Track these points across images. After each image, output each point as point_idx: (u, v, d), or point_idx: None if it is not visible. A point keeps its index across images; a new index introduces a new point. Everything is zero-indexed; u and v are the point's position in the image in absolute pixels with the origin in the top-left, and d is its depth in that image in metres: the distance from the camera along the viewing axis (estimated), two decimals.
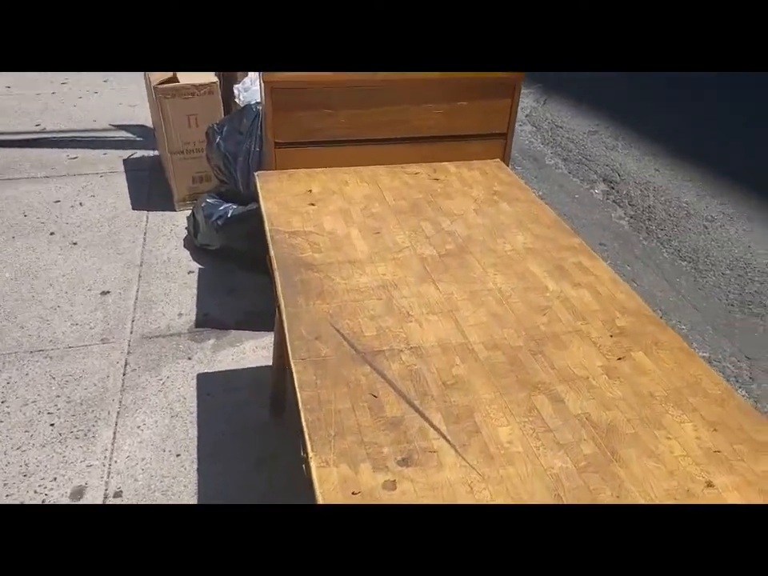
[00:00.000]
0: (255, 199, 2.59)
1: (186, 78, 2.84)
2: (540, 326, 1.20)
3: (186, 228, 2.94)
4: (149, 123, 4.01)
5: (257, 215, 2.59)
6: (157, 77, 2.84)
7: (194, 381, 2.12)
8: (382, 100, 1.95)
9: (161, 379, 2.13)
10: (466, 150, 2.07)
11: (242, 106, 2.72)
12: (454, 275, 1.34)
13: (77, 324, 2.36)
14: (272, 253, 1.39)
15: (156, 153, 3.59)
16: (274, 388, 1.99)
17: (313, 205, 1.58)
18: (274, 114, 1.89)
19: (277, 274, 1.31)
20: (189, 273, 2.67)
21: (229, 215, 2.60)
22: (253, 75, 2.70)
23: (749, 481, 0.90)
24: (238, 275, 2.64)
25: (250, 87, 2.68)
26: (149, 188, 3.30)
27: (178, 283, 2.60)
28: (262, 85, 1.85)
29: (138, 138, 3.88)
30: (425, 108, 1.98)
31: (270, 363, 2.17)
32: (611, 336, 1.18)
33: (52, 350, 2.23)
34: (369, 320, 1.20)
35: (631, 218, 3.26)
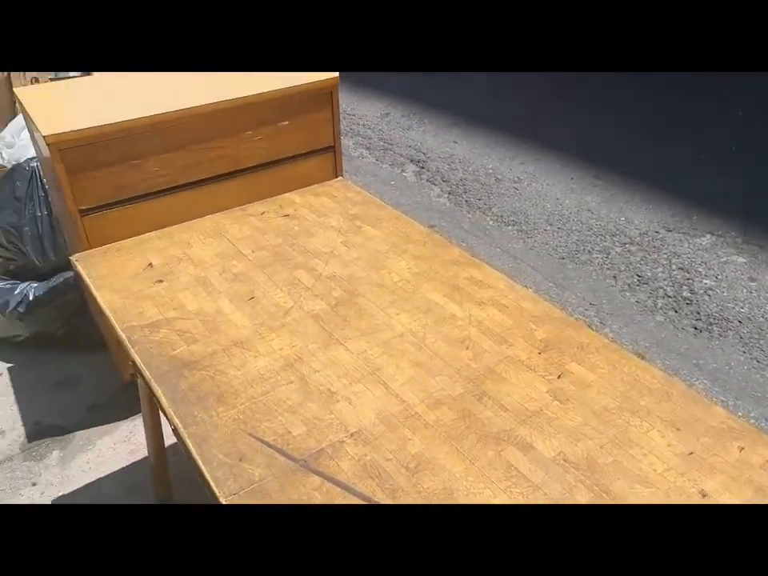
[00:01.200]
0: (69, 269, 2.21)
1: None
2: (469, 363, 1.12)
3: None
4: None
5: (64, 288, 2.21)
6: None
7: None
8: (194, 137, 1.72)
9: None
10: (297, 172, 1.92)
11: (8, 166, 2.27)
12: (357, 327, 1.20)
13: None
14: (136, 359, 1.13)
15: None
16: (159, 487, 1.71)
17: (161, 282, 1.33)
18: (70, 177, 1.58)
19: (154, 386, 1.07)
20: None
21: (31, 298, 2.17)
22: (14, 128, 2.26)
23: (732, 476, 0.90)
24: (60, 363, 2.23)
25: (14, 143, 2.24)
26: None
27: None
28: (46, 146, 1.52)
29: None
30: (243, 137, 1.79)
31: (136, 458, 1.87)
32: (539, 353, 1.13)
33: None
34: (290, 414, 1.02)
35: (449, 194, 3.34)
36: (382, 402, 1.04)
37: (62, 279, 2.20)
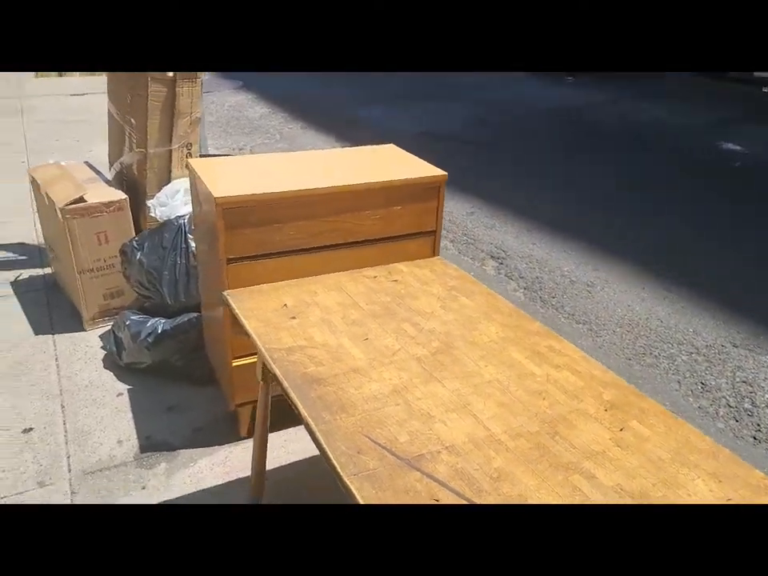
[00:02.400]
0: (190, 310, 2.58)
1: (93, 196, 2.79)
2: (545, 409, 1.35)
3: (102, 348, 2.81)
4: (29, 240, 3.81)
5: (188, 327, 2.57)
6: (61, 197, 2.76)
7: None
8: (324, 211, 2.08)
9: None
10: (402, 248, 2.25)
11: (159, 221, 2.72)
12: (452, 371, 1.46)
13: (4, 471, 2.15)
14: (277, 372, 1.43)
15: (47, 271, 3.41)
16: (255, 487, 1.95)
17: (293, 318, 1.64)
18: (227, 232, 1.95)
19: (292, 394, 1.35)
20: (118, 395, 2.54)
21: (159, 331, 2.54)
22: (168, 191, 2.73)
23: None
24: (174, 390, 2.56)
25: (168, 202, 2.69)
26: (48, 310, 3.11)
27: (108, 408, 2.47)
28: (213, 205, 1.91)
29: (20, 257, 3.66)
30: (363, 215, 2.14)
31: (230, 479, 2.13)
32: (605, 410, 1.35)
33: None
34: (397, 426, 1.27)
35: (525, 289, 3.61)
36: (471, 428, 1.28)
37: (186, 318, 2.57)
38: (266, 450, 1.89)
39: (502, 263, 3.89)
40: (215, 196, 1.90)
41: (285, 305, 1.71)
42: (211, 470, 2.20)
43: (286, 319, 1.64)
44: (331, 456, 1.18)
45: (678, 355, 2.97)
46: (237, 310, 1.67)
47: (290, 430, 2.35)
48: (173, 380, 2.59)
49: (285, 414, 1.78)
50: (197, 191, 2.18)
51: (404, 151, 2.48)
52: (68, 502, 2.04)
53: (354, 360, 1.48)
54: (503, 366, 1.49)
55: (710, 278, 3.64)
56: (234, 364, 2.15)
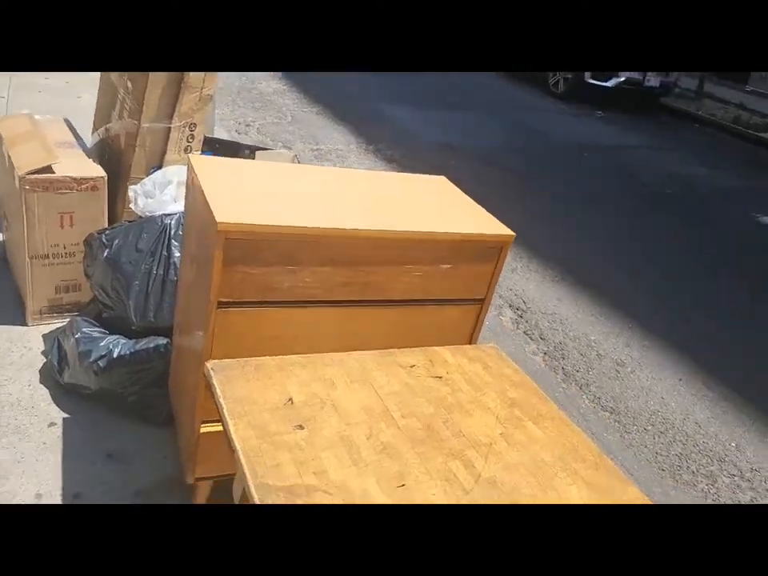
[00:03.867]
0: (159, 333, 2.06)
1: (64, 167, 2.25)
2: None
3: (43, 353, 2.27)
4: None
5: (152, 356, 2.06)
6: (24, 162, 2.21)
7: None
8: (357, 258, 1.59)
9: None
10: (440, 315, 1.78)
11: (140, 214, 2.19)
12: None
13: None
14: None
15: None
16: None
17: (301, 428, 1.15)
18: (225, 268, 1.45)
19: None
20: (50, 425, 2.01)
21: (115, 355, 2.02)
22: (158, 179, 2.20)
23: None
24: (120, 429, 2.05)
25: (154, 193, 2.17)
26: None
27: (34, 442, 1.94)
28: (214, 231, 1.41)
29: None
30: (402, 269, 1.66)
31: None
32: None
33: None
34: None
35: (545, 354, 3.16)
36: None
37: (152, 345, 2.05)
38: None
39: (521, 316, 3.44)
40: (218, 220, 1.40)
41: (290, 399, 1.22)
42: None
43: (290, 428, 1.14)
44: None
45: (718, 476, 2.54)
46: (223, 403, 1.17)
47: None
48: (122, 414, 2.07)
49: None
50: (194, 197, 1.66)
51: (459, 191, 2.00)
52: None
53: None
54: None
55: (759, 381, 3.21)
56: (201, 430, 1.65)
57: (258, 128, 5.52)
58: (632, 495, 1.20)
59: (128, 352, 2.04)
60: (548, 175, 5.75)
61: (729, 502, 2.41)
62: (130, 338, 2.09)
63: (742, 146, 8.40)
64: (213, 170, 1.67)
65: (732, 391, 3.07)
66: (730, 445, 2.72)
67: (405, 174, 2.05)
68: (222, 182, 1.62)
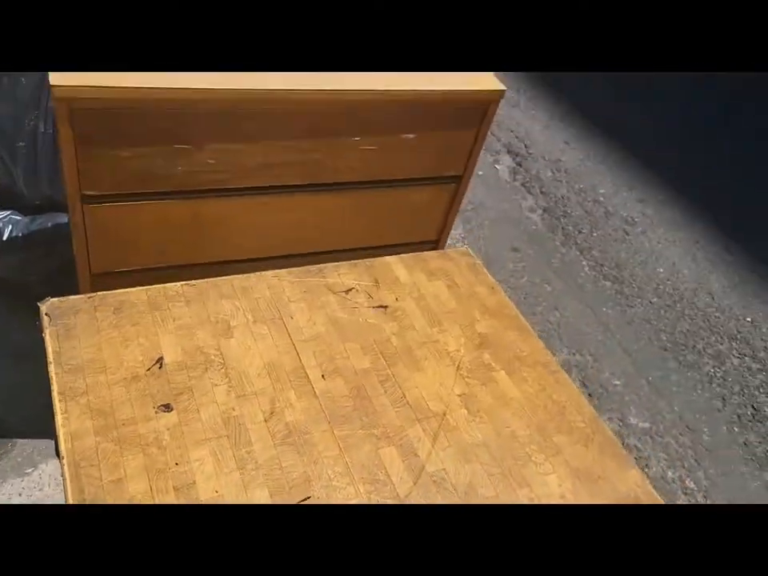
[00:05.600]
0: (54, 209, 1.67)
1: None
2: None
3: None
4: None
5: (54, 236, 1.69)
6: None
7: None
8: (277, 131, 1.15)
9: None
10: (402, 201, 1.37)
11: None
12: None
13: None
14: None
15: None
16: None
17: (168, 409, 0.80)
18: (80, 150, 1.02)
19: None
20: None
21: (4, 237, 1.63)
22: None
23: None
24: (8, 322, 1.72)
25: None
26: None
27: None
28: (56, 103, 0.96)
29: None
30: (347, 143, 1.21)
31: None
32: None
33: None
34: None
35: (544, 211, 2.74)
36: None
37: (50, 224, 1.65)
38: None
39: (520, 164, 2.97)
40: (53, 82, 0.93)
41: (160, 360, 0.86)
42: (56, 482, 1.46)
43: (150, 410, 0.80)
44: None
45: (727, 356, 2.27)
46: (53, 375, 0.81)
47: None
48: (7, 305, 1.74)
49: None
50: None
51: None
52: None
53: None
54: None
55: None
56: None
57: None
58: (632, 482, 0.88)
59: (21, 233, 1.65)
60: None
61: (735, 386, 2.16)
62: (24, 215, 1.69)
63: None
64: None
65: (753, 258, 2.70)
66: (745, 320, 2.41)
67: None
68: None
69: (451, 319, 1.04)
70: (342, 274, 1.07)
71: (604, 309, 2.36)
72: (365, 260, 1.11)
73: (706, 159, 3.23)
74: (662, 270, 2.56)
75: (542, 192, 2.85)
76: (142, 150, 1.06)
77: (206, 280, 0.99)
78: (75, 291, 1.69)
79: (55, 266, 1.69)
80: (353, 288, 1.04)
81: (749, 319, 2.42)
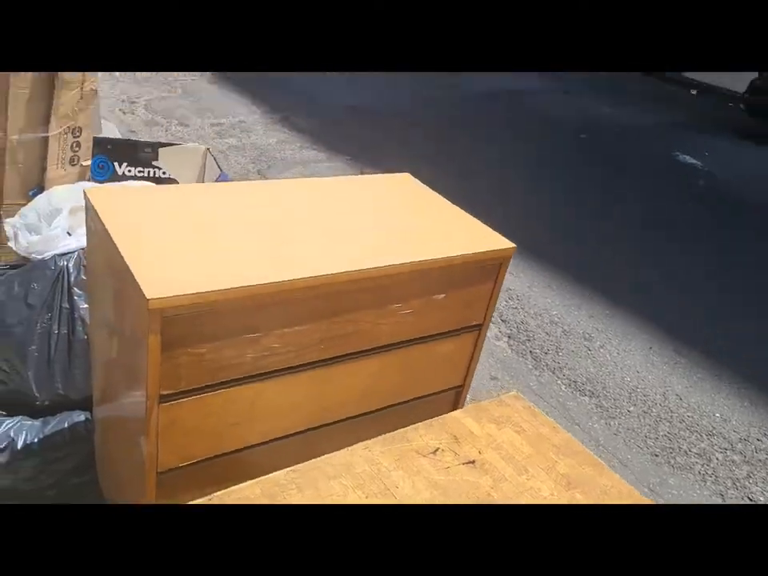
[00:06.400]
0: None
1: None
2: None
3: None
4: None
5: (72, 436, 1.64)
6: None
7: None
8: (333, 308, 1.23)
9: None
10: (432, 352, 1.45)
11: (23, 255, 1.70)
12: None
13: None
14: None
15: None
16: None
17: None
18: (164, 354, 1.05)
19: None
20: None
21: (19, 446, 1.56)
22: (42, 207, 1.70)
23: None
24: None
25: (40, 226, 1.67)
26: None
27: None
28: (143, 310, 1.00)
29: None
30: (388, 310, 1.31)
31: None
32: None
33: None
34: None
35: (509, 338, 2.92)
36: None
37: (66, 424, 1.61)
38: None
39: None
40: (149, 296, 0.99)
41: None
42: None
43: None
44: None
45: (711, 452, 2.41)
46: None
47: None
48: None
49: None
50: (100, 243, 1.22)
51: (430, 191, 1.65)
52: None
53: None
54: None
55: (725, 340, 3.08)
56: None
57: (145, 104, 4.87)
58: None
59: (35, 437, 1.59)
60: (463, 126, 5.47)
61: (727, 481, 2.29)
62: (35, 417, 1.63)
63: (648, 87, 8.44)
64: (119, 207, 1.23)
65: (702, 354, 2.96)
66: (714, 415, 2.60)
67: (362, 177, 1.68)
68: (136, 226, 1.19)
69: (533, 464, 1.10)
70: (422, 435, 1.12)
71: (590, 423, 2.48)
72: (435, 419, 1.17)
73: (629, 263, 3.60)
74: (629, 379, 2.75)
75: (501, 320, 3.04)
76: (216, 345, 1.11)
77: (304, 464, 1.01)
78: (89, 491, 1.62)
79: (70, 467, 1.63)
80: (438, 448, 1.10)
81: (717, 414, 2.61)
